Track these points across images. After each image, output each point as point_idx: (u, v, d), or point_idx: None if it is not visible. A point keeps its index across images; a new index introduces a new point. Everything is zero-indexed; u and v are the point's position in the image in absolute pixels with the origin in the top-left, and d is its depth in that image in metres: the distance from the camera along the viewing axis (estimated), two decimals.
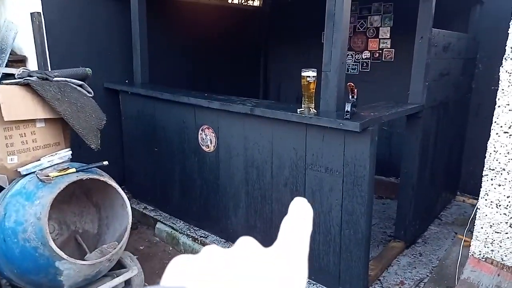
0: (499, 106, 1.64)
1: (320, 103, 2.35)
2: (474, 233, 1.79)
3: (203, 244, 2.94)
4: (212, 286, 0.25)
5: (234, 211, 2.84)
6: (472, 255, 1.79)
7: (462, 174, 3.85)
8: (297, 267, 0.28)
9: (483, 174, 1.74)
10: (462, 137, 3.75)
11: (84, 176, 2.11)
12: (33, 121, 2.26)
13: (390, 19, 4.00)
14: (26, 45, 3.27)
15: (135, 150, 3.54)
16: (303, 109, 2.30)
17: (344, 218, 2.26)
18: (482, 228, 1.74)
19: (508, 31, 1.59)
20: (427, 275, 2.59)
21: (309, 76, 2.26)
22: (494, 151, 1.67)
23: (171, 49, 4.09)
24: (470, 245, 2.10)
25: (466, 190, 3.84)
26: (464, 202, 3.76)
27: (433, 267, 2.68)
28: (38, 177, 2.05)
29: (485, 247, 1.74)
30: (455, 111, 3.37)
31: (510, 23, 1.57)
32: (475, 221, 1.78)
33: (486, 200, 1.72)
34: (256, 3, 5.27)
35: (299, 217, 0.30)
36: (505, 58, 1.60)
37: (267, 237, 2.65)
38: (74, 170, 2.13)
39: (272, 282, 0.26)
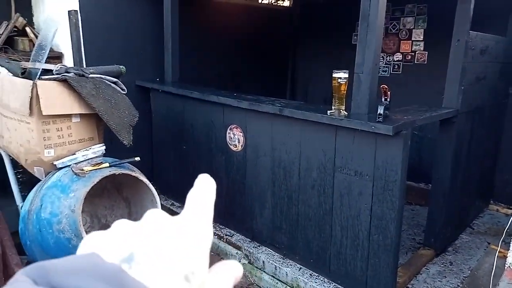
0: None
1: (351, 105, 2.31)
2: (511, 244, 1.71)
3: (229, 242, 2.95)
4: (123, 250, 0.27)
5: (260, 211, 2.84)
6: (509, 267, 1.72)
7: (496, 183, 3.71)
8: (202, 229, 0.31)
9: None
10: (497, 144, 3.61)
11: (117, 171, 2.16)
12: (69, 116, 2.33)
13: (424, 21, 3.90)
14: (63, 42, 3.38)
15: (164, 147, 3.60)
16: (333, 110, 2.28)
17: (373, 223, 2.22)
18: None
19: None
20: (458, 285, 2.51)
21: (340, 78, 2.23)
22: None
23: (201, 48, 4.14)
24: (504, 256, 2.01)
25: (500, 199, 3.70)
26: (498, 212, 3.62)
27: (464, 277, 2.60)
28: (73, 171, 2.11)
29: None
30: (490, 116, 3.25)
31: None
32: None
33: None
34: (286, 3, 5.26)
35: (202, 188, 0.33)
36: None
37: (293, 239, 2.64)
38: (107, 165, 2.18)
39: (178, 241, 0.29)
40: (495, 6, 3.26)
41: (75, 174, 2.09)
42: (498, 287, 1.64)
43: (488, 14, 3.26)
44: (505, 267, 1.75)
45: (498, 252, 2.60)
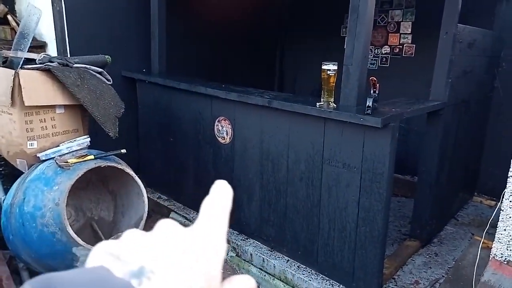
0: None
1: (340, 97, 2.31)
2: (496, 235, 1.74)
3: None
4: (133, 264, 0.26)
5: (248, 204, 2.83)
6: (494, 257, 1.75)
7: (480, 175, 3.77)
8: (216, 242, 0.30)
9: (508, 175, 1.69)
10: (482, 137, 3.66)
11: (102, 163, 2.12)
12: (53, 107, 2.27)
13: (412, 13, 3.91)
14: (46, 31, 3.28)
15: (151, 139, 3.55)
16: (322, 103, 2.27)
17: (360, 215, 2.23)
18: (505, 230, 1.70)
19: None
20: (443, 276, 2.55)
21: (329, 70, 2.22)
22: None
23: (189, 38, 4.08)
24: (488, 247, 2.05)
25: (484, 191, 3.77)
26: (482, 203, 3.69)
27: (449, 267, 2.64)
28: (57, 163, 2.06)
29: (507, 249, 1.70)
30: (476, 110, 3.29)
31: None
32: (498, 223, 1.74)
33: (510, 201, 1.67)
34: None
35: (218, 197, 0.32)
36: None
37: (281, 232, 2.64)
38: (92, 157, 2.14)
39: (191, 256, 0.28)
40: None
41: (59, 166, 2.04)
42: (483, 277, 1.67)
43: (475, 7, 3.28)
44: (490, 258, 1.78)
45: (482, 243, 2.65)
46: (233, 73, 4.52)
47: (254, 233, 2.84)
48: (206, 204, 0.32)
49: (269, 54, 5.16)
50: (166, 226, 0.30)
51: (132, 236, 0.29)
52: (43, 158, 2.16)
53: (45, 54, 2.39)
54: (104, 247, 0.28)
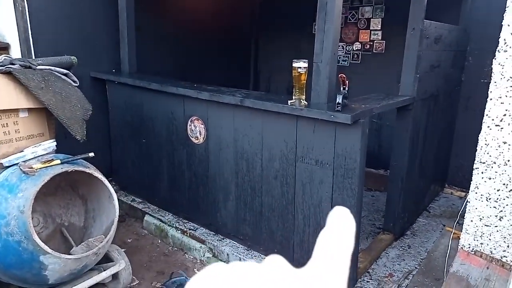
0: (491, 99, 1.63)
1: (311, 95, 2.32)
2: (463, 227, 1.79)
3: (192, 236, 2.91)
4: None
5: (224, 204, 2.81)
6: (462, 248, 1.79)
7: (450, 167, 3.88)
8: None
9: (474, 168, 1.74)
10: (451, 130, 3.76)
11: (69, 168, 2.06)
12: (16, 111, 2.18)
13: (382, 10, 3.97)
14: (9, 32, 3.16)
15: (123, 141, 3.48)
16: (294, 100, 2.27)
17: None
18: (472, 221, 1.74)
19: (502, 23, 1.58)
20: (416, 267, 2.60)
21: (300, 67, 2.22)
22: (486, 144, 1.67)
23: (161, 39, 4.01)
24: (458, 238, 2.10)
25: (454, 182, 3.88)
26: (452, 195, 3.79)
27: (421, 259, 2.70)
28: (21, 169, 1.99)
29: (474, 240, 1.74)
30: (445, 103, 3.37)
31: (504, 15, 1.56)
32: (465, 214, 1.78)
33: (476, 193, 1.72)
34: None
35: (338, 231, 0.26)
36: (498, 50, 1.59)
37: (257, 230, 2.64)
38: (58, 161, 2.07)
39: None
40: None
41: (24, 172, 1.97)
42: (452, 268, 1.71)
43: (441, 3, 3.35)
44: (458, 248, 1.82)
45: (453, 233, 2.73)
46: (208, 73, 4.47)
47: (230, 233, 2.83)
48: (323, 239, 0.26)
49: (243, 53, 5.14)
50: (275, 264, 0.26)
51: (243, 271, 0.25)
52: (6, 164, 2.07)
53: (6, 56, 2.29)
54: (213, 273, 0.25)
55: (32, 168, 1.98)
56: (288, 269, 0.26)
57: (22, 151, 2.14)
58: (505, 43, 1.56)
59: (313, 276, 0.25)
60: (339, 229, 0.26)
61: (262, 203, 2.59)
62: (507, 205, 1.64)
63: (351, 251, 0.26)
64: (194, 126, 2.84)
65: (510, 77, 1.56)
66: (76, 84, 2.42)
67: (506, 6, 1.53)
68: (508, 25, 1.55)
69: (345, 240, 0.26)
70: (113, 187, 2.29)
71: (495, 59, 1.60)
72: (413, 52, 2.60)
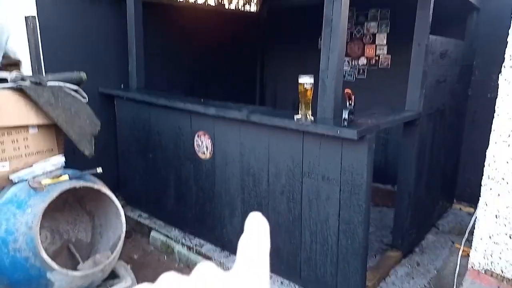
0: (498, 115, 1.63)
1: (317, 110, 2.32)
2: (473, 244, 1.76)
3: (199, 253, 2.89)
4: None
5: (230, 219, 2.81)
6: (472, 267, 1.76)
7: (458, 182, 3.83)
8: (259, 285, 0.28)
9: (482, 184, 1.72)
10: (458, 145, 3.74)
11: (77, 184, 2.07)
12: (25, 127, 2.22)
13: (387, 25, 4.00)
14: (20, 49, 3.22)
15: (130, 156, 3.50)
16: (300, 116, 2.28)
17: (341, 227, 2.23)
18: (481, 239, 1.72)
19: (508, 39, 1.58)
20: (425, 286, 2.56)
21: (306, 83, 2.23)
22: (494, 160, 1.65)
23: (168, 54, 4.07)
24: (468, 255, 2.07)
25: (462, 198, 3.83)
26: (461, 210, 3.74)
27: (431, 277, 2.65)
28: (30, 185, 2.01)
29: (484, 258, 1.72)
30: (451, 118, 3.36)
31: (509, 31, 1.56)
32: (474, 231, 1.76)
33: (485, 210, 1.70)
34: (253, 9, 5.26)
35: (256, 234, 0.30)
36: (504, 66, 1.59)
37: None
38: (67, 177, 2.09)
39: None
40: (453, 10, 3.38)
41: (32, 188, 1.99)
42: (462, 287, 1.68)
43: (446, 18, 3.37)
44: (468, 267, 1.79)
45: (462, 251, 2.68)
46: (214, 88, 4.53)
47: (237, 249, 2.81)
48: (243, 243, 0.30)
49: (250, 67, 5.19)
50: (205, 269, 0.28)
51: (169, 280, 0.28)
52: (16, 180, 2.10)
53: (17, 72, 2.34)
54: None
55: (40, 184, 2.00)
56: (217, 273, 0.28)
57: (31, 166, 2.16)
58: (511, 59, 1.56)
59: (239, 276, 0.28)
60: (255, 232, 0.30)
61: (268, 219, 2.52)
62: None
63: (268, 250, 0.29)
64: (201, 141, 2.86)
65: None
66: (86, 100, 2.45)
67: None
68: None
69: (262, 241, 0.30)
70: (119, 202, 2.30)
71: (501, 75, 1.60)
72: (419, 67, 2.61)
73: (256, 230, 0.30)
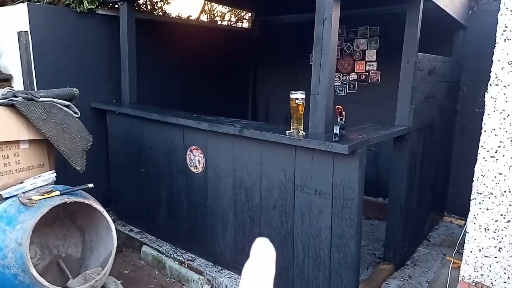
0: (485, 131, 1.67)
1: (309, 125, 2.35)
2: (463, 257, 1.78)
3: (190, 267, 2.87)
4: None
5: (222, 234, 2.80)
6: (462, 279, 1.78)
7: (448, 195, 3.88)
8: None
9: (471, 198, 1.75)
10: (448, 159, 3.79)
11: (68, 199, 2.06)
12: (16, 142, 2.21)
13: (376, 42, 4.08)
14: (12, 64, 3.23)
15: (121, 170, 3.49)
16: (292, 131, 2.30)
17: (333, 241, 2.24)
18: (471, 252, 1.74)
19: (492, 58, 1.63)
20: None
21: (297, 98, 2.27)
22: (482, 175, 1.69)
23: (161, 69, 4.10)
24: (459, 267, 2.09)
25: (453, 210, 3.87)
26: (452, 223, 3.78)
27: None
28: (20, 201, 1.99)
29: (474, 271, 1.73)
30: (441, 133, 3.42)
31: (493, 50, 1.61)
32: (464, 245, 1.78)
33: (474, 224, 1.72)
34: (246, 25, 5.34)
35: (260, 259, 0.29)
36: (490, 84, 1.63)
37: None
38: (58, 193, 2.07)
39: None
40: (440, 28, 3.46)
41: (23, 204, 1.97)
42: None
43: (434, 35, 3.46)
44: (459, 280, 1.81)
45: (453, 263, 2.70)
46: (207, 102, 4.56)
47: (229, 264, 2.80)
48: (248, 269, 0.29)
49: (242, 82, 5.25)
50: None
51: None
52: (6, 196, 2.08)
53: (9, 88, 2.34)
54: None
55: (31, 199, 1.98)
56: None
57: (22, 182, 2.14)
58: (496, 77, 1.61)
59: None
60: (261, 258, 0.29)
61: (261, 233, 2.58)
62: (505, 235, 1.64)
63: (273, 276, 0.28)
64: (193, 155, 2.86)
65: (503, 110, 1.60)
66: (77, 115, 2.45)
67: (496, 42, 1.59)
68: (499, 60, 1.60)
69: (267, 268, 0.29)
70: (110, 216, 2.28)
71: (487, 92, 1.64)
72: (408, 84, 2.66)
73: (262, 257, 0.30)
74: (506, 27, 1.57)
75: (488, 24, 3.43)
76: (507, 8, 1.55)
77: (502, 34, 1.58)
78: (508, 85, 1.59)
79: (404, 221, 2.87)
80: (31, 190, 2.11)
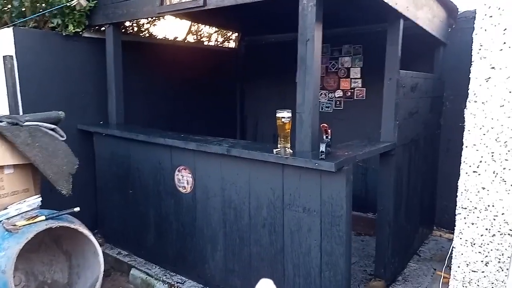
0: (466, 147, 1.70)
1: (295, 143, 2.37)
2: (451, 273, 1.79)
3: None
4: None
5: (212, 254, 2.77)
6: None
7: (436, 209, 3.91)
8: None
9: (456, 213, 1.77)
10: (434, 173, 3.84)
11: (53, 224, 2.03)
12: (1, 167, 2.18)
13: (360, 59, 4.17)
14: None
15: (109, 193, 3.45)
16: (279, 149, 2.32)
17: (323, 259, 2.23)
18: (459, 267, 1.75)
19: (470, 75, 1.68)
20: None
21: (284, 117, 2.29)
22: (465, 189, 1.71)
23: (148, 90, 4.11)
24: (449, 282, 2.09)
25: (442, 224, 3.90)
26: (441, 237, 3.80)
27: None
28: (4, 227, 1.95)
29: (463, 286, 1.74)
30: (426, 147, 3.47)
31: (470, 69, 1.66)
32: (452, 260, 1.79)
33: (461, 239, 1.74)
34: (232, 45, 5.41)
35: None
36: (468, 101, 1.68)
37: (247, 281, 2.58)
38: (43, 218, 2.04)
39: None
40: (421, 45, 3.55)
41: (7, 230, 1.93)
42: None
43: (415, 52, 3.54)
44: None
45: (443, 278, 2.70)
46: (195, 121, 4.57)
47: (219, 286, 2.76)
48: None
49: (230, 101, 5.29)
50: None
51: None
52: None
53: None
54: None
55: (15, 225, 1.95)
56: None
57: (6, 208, 2.11)
58: (475, 94, 1.66)
59: None
60: None
61: (250, 253, 2.56)
62: (491, 250, 1.66)
63: None
64: (181, 175, 2.85)
65: (483, 126, 1.64)
66: (63, 139, 2.44)
67: (472, 60, 1.64)
68: (476, 78, 1.65)
69: None
70: (98, 239, 2.25)
71: (467, 109, 1.68)
72: (391, 100, 2.72)
73: None
74: (481, 45, 1.62)
75: (467, 40, 3.49)
76: (481, 28, 1.61)
77: (478, 53, 1.63)
78: (486, 101, 1.63)
79: (394, 236, 2.88)
80: (15, 215, 2.07)
